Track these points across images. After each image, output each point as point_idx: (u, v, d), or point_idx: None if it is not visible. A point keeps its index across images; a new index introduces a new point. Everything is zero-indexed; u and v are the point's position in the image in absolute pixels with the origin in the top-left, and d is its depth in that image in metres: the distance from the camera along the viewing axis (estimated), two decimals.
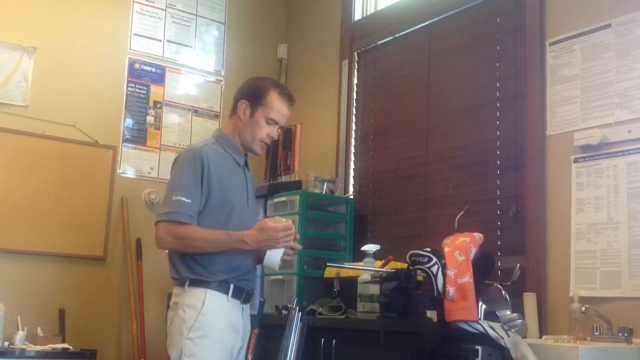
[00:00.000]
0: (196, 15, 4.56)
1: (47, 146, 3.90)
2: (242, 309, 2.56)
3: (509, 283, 2.54)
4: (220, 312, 2.46)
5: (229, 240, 2.46)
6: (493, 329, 2.22)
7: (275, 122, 2.64)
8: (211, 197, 2.50)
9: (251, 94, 2.64)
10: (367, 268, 2.99)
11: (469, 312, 2.24)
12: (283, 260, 2.54)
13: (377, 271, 2.82)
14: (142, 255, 4.06)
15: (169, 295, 3.93)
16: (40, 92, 3.91)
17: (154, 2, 4.38)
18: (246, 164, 2.70)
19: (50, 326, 3.76)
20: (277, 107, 2.63)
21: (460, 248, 2.34)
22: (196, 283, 2.45)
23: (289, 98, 2.67)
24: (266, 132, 2.63)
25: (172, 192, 2.47)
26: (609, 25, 2.84)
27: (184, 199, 2.44)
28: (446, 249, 2.37)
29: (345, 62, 4.21)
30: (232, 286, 2.48)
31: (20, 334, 3.50)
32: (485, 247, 2.44)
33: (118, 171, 4.13)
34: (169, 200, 2.46)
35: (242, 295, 2.53)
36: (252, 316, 3.31)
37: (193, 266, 2.47)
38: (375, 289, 2.82)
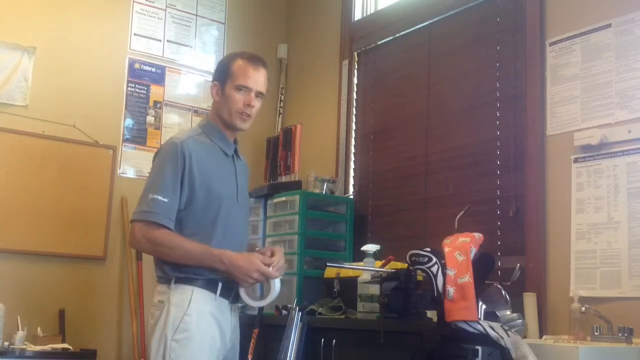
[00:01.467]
0: (196, 15, 4.56)
1: (47, 146, 3.90)
2: (231, 308, 2.47)
3: (509, 283, 2.55)
4: (208, 311, 2.37)
5: (206, 257, 2.35)
6: (493, 329, 2.22)
7: (248, 88, 2.50)
8: (195, 193, 2.40)
9: (218, 73, 2.59)
10: (367, 268, 2.99)
11: (469, 312, 2.24)
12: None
13: (377, 271, 2.82)
14: (142, 255, 4.05)
15: None
16: (40, 92, 3.91)
17: (154, 2, 4.38)
18: (236, 152, 2.61)
19: (50, 326, 3.76)
20: (243, 72, 2.51)
21: (460, 248, 2.34)
22: (182, 280, 2.36)
23: (253, 59, 2.56)
24: (241, 102, 2.50)
25: (149, 190, 2.39)
26: (609, 25, 2.84)
27: (160, 197, 2.35)
28: (446, 249, 2.37)
29: (345, 62, 4.21)
30: (220, 284, 2.39)
31: (20, 334, 3.50)
32: (485, 247, 2.44)
33: (118, 171, 4.13)
34: (145, 198, 2.38)
35: (231, 294, 2.43)
36: (252, 316, 3.32)
37: (186, 265, 2.36)
38: (375, 289, 2.82)
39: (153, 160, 2.52)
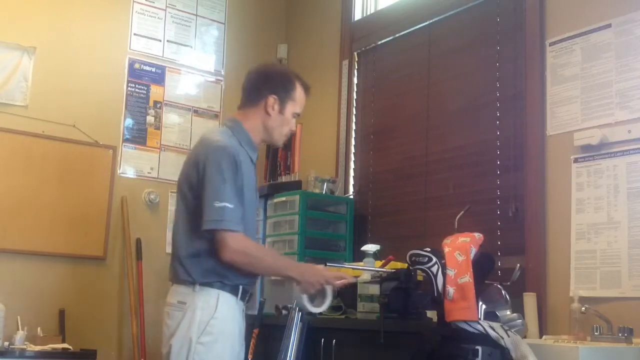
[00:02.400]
0: (196, 15, 4.56)
1: (47, 146, 3.90)
2: (243, 310, 2.51)
3: (509, 283, 2.54)
4: (232, 315, 2.40)
5: (284, 269, 2.50)
6: (493, 329, 2.22)
7: (298, 115, 2.60)
8: (242, 199, 2.41)
9: (281, 88, 2.54)
10: (367, 268, 2.99)
11: (469, 312, 2.24)
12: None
13: (377, 271, 2.82)
14: (142, 255, 4.06)
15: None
16: (40, 92, 3.91)
17: (154, 2, 4.38)
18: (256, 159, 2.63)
19: (50, 326, 3.76)
20: (301, 101, 2.59)
21: (460, 248, 2.34)
22: (208, 284, 2.37)
23: (308, 89, 2.63)
24: (291, 126, 2.59)
25: (214, 198, 2.32)
26: (609, 25, 2.84)
27: (227, 204, 2.32)
28: (446, 249, 2.37)
29: (345, 62, 4.21)
30: (241, 288, 2.43)
31: (20, 334, 3.50)
32: (485, 247, 2.44)
33: (118, 171, 4.13)
34: (212, 207, 2.31)
35: (247, 297, 2.48)
36: (252, 316, 3.32)
37: (210, 270, 2.37)
38: (375, 289, 2.82)
39: (202, 166, 2.39)
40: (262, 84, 2.56)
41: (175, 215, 2.54)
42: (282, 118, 2.54)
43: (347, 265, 3.32)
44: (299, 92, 2.57)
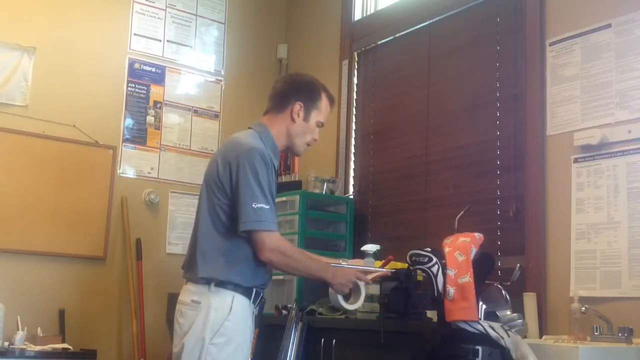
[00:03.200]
0: (196, 15, 4.56)
1: (47, 146, 3.90)
2: (254, 313, 2.50)
3: (509, 283, 2.55)
4: (245, 317, 2.41)
5: (319, 271, 2.50)
6: (493, 329, 2.22)
7: (323, 125, 2.64)
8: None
9: (307, 96, 2.58)
10: (367, 268, 2.99)
11: (469, 312, 2.24)
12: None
13: (377, 271, 2.82)
14: (142, 255, 4.06)
15: (169, 295, 3.95)
16: (40, 92, 3.91)
17: (154, 2, 4.38)
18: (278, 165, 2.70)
19: (50, 326, 3.76)
20: (327, 111, 2.64)
21: (461, 248, 2.34)
22: (223, 285, 2.38)
23: (333, 100, 2.70)
24: (314, 135, 2.62)
25: (251, 200, 2.35)
26: (609, 25, 2.84)
27: (264, 205, 2.35)
28: (446, 249, 2.37)
29: (345, 62, 4.21)
30: (254, 291, 2.44)
31: (20, 334, 3.49)
32: (485, 247, 2.44)
33: (118, 171, 4.13)
34: (249, 208, 2.34)
35: (258, 300, 2.49)
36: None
37: (230, 270, 2.38)
38: (375, 289, 2.82)
39: (235, 167, 2.40)
40: (290, 91, 2.60)
41: (198, 213, 2.51)
42: (306, 126, 2.58)
43: (347, 265, 3.32)
44: (324, 102, 2.62)
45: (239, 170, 2.39)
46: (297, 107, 2.56)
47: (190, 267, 2.45)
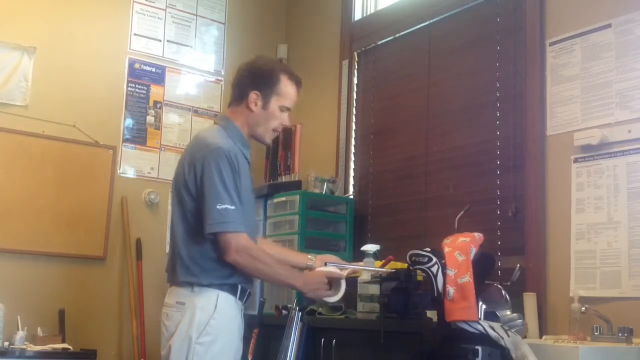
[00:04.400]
0: (196, 15, 4.56)
1: (47, 146, 3.90)
2: (242, 309, 2.50)
3: (509, 283, 2.54)
4: (231, 315, 2.40)
5: (287, 278, 2.47)
6: (493, 329, 2.22)
7: (288, 109, 2.54)
8: (241, 200, 2.40)
9: (263, 83, 2.50)
10: (367, 268, 2.99)
11: (469, 312, 2.24)
12: None
13: (377, 271, 2.82)
14: (142, 255, 4.06)
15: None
16: (40, 92, 3.91)
17: (154, 2, 4.38)
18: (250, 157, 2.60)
19: (50, 326, 3.76)
20: (290, 93, 2.53)
21: (460, 248, 2.34)
22: (208, 284, 2.37)
23: (299, 82, 2.58)
24: (280, 120, 2.53)
25: (215, 201, 2.31)
26: (609, 25, 2.84)
27: (228, 206, 2.31)
28: (446, 249, 2.37)
29: (345, 62, 4.21)
30: (240, 287, 2.42)
31: (20, 334, 3.50)
32: (485, 247, 2.44)
33: (118, 171, 4.13)
34: (213, 210, 2.30)
35: (245, 296, 2.47)
36: (252, 316, 3.32)
37: (211, 270, 2.36)
38: (375, 289, 2.82)
39: (198, 168, 2.38)
40: (245, 80, 2.53)
41: (171, 215, 2.51)
42: (266, 114, 2.50)
43: (347, 265, 3.32)
44: (284, 85, 2.52)
45: (204, 171, 2.36)
46: (254, 96, 2.49)
47: (172, 272, 2.44)
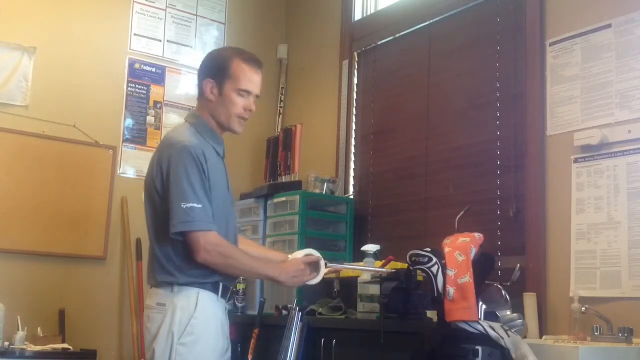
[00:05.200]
0: (196, 15, 4.56)
1: (47, 146, 3.90)
2: (225, 307, 2.47)
3: (509, 283, 2.54)
4: (212, 313, 2.36)
5: (265, 270, 2.46)
6: (493, 329, 2.22)
7: (248, 92, 2.43)
8: (211, 197, 2.35)
9: (214, 69, 2.43)
10: (367, 268, 2.99)
11: (469, 312, 2.24)
12: None
13: (377, 271, 2.82)
14: (142, 256, 4.06)
15: None
16: (40, 92, 3.91)
17: (154, 2, 4.39)
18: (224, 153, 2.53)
19: (50, 326, 3.76)
20: (246, 75, 2.42)
21: (460, 248, 2.34)
22: (186, 283, 2.33)
23: (254, 61, 2.46)
24: (241, 105, 2.42)
25: (180, 200, 2.28)
26: (609, 25, 2.84)
27: (195, 204, 2.27)
28: (446, 249, 2.37)
29: (345, 62, 4.21)
30: (221, 285, 2.39)
31: (20, 334, 3.50)
32: (485, 247, 2.44)
33: (118, 171, 4.13)
34: (178, 209, 2.27)
35: (227, 293, 2.44)
36: (252, 316, 3.32)
37: (187, 268, 2.32)
38: (375, 289, 2.82)
39: (164, 167, 2.36)
40: (199, 71, 2.50)
41: (145, 217, 2.48)
42: (223, 99, 2.42)
43: (347, 265, 3.32)
44: (237, 66, 2.42)
45: (169, 170, 2.33)
46: (208, 84, 2.44)
47: (152, 272, 2.42)
